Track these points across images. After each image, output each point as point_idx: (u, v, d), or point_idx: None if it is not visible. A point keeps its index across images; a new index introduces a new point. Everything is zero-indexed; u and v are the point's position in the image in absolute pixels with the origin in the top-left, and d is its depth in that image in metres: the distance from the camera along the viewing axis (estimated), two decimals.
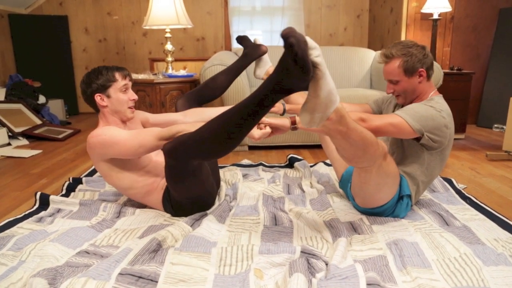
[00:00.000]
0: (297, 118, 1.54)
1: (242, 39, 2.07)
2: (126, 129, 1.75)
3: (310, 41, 1.03)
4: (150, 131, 1.55)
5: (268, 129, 1.56)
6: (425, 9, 3.46)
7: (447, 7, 3.37)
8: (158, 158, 1.79)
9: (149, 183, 1.72)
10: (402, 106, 1.71)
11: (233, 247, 1.39)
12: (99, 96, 1.66)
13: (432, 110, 1.53)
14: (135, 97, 1.71)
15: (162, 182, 1.73)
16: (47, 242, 1.43)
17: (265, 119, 1.55)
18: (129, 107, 1.71)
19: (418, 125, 1.50)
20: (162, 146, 1.51)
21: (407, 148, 1.63)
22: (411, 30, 3.77)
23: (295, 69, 1.01)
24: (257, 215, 1.71)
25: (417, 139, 1.57)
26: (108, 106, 1.68)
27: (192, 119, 1.89)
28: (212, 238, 1.48)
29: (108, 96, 1.66)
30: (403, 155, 1.65)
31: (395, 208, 1.64)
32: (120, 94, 1.67)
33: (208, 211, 1.74)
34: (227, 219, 1.67)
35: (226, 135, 1.27)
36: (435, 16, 3.41)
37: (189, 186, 1.59)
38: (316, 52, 1.04)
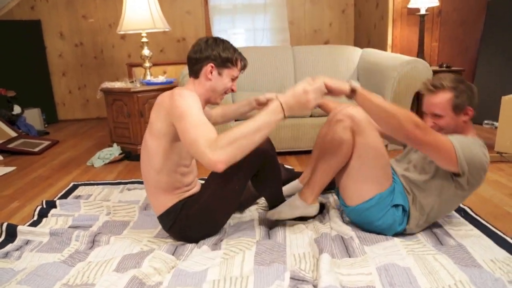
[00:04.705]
0: (358, 86, 1.37)
1: None
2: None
3: None
4: (208, 134, 1.26)
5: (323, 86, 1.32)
6: (412, 4, 3.35)
7: (434, 1, 3.27)
8: None
9: (178, 185, 1.55)
10: None
11: (225, 281, 1.29)
12: (212, 67, 1.49)
13: (480, 151, 1.42)
14: (235, 89, 1.58)
15: (188, 193, 1.59)
16: (14, 284, 1.31)
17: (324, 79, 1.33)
18: (222, 95, 1.57)
19: (465, 163, 1.38)
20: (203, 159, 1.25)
21: (436, 172, 1.51)
22: (398, 26, 3.67)
23: None
24: (253, 235, 1.64)
25: (454, 174, 1.46)
26: (211, 81, 1.51)
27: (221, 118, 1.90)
28: (203, 267, 1.40)
29: (219, 74, 1.51)
30: (426, 176, 1.54)
31: (385, 212, 1.54)
32: (227, 79, 1.53)
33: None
34: (222, 243, 1.60)
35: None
36: (422, 11, 3.31)
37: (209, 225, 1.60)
38: None
